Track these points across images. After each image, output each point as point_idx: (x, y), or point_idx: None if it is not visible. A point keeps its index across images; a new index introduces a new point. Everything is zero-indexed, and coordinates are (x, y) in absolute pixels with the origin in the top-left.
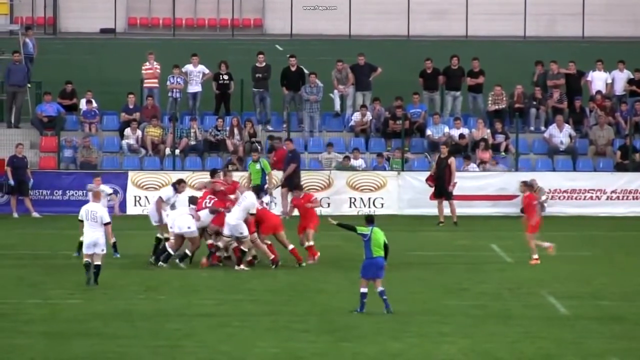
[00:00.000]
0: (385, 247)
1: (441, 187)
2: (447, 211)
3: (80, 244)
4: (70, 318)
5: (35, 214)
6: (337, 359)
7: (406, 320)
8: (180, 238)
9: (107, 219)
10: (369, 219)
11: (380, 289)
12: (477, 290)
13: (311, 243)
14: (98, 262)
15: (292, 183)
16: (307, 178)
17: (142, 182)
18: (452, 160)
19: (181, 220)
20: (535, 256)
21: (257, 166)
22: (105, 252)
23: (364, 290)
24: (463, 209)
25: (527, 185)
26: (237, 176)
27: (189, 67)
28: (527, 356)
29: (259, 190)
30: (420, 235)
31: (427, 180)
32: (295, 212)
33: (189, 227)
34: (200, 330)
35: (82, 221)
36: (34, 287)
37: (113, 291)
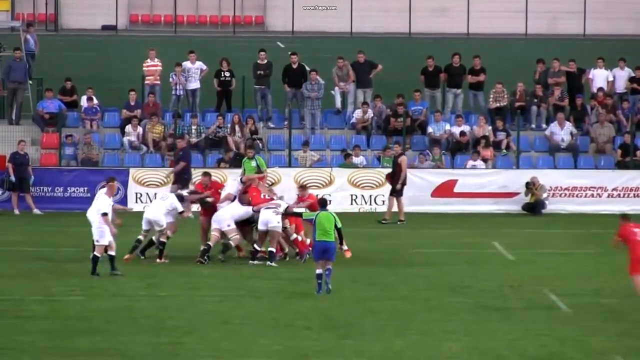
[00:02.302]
0: (339, 230)
1: (393, 185)
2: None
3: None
4: (72, 315)
5: (36, 211)
6: (340, 357)
7: (409, 318)
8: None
9: (104, 210)
10: (321, 202)
11: (328, 266)
12: (480, 288)
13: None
14: (112, 252)
15: (182, 180)
16: (308, 176)
17: (143, 179)
18: (402, 159)
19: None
20: None
21: (253, 163)
22: (112, 243)
23: (318, 271)
24: (465, 206)
25: (624, 218)
26: (236, 173)
27: (187, 64)
28: (530, 354)
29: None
30: (422, 232)
31: (386, 177)
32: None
33: (228, 225)
34: (202, 328)
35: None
36: (36, 284)
37: (115, 288)
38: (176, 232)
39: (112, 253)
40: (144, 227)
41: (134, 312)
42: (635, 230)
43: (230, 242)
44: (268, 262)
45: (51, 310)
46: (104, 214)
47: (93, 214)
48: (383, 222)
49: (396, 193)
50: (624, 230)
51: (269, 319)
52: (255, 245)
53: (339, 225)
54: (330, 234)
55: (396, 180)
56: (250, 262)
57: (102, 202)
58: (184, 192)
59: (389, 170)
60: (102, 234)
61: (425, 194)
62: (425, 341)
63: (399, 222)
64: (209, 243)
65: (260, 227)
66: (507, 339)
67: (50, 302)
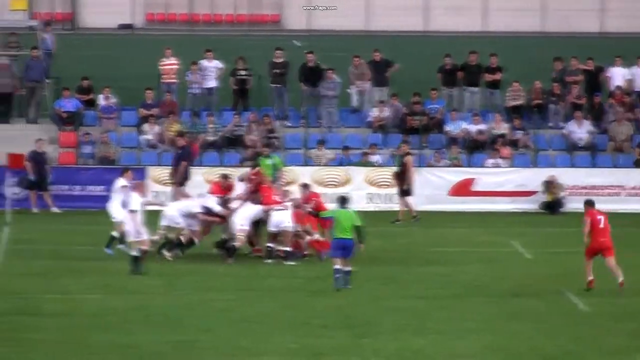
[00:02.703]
0: (358, 228)
1: (401, 185)
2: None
3: (111, 237)
4: (89, 313)
5: (54, 209)
6: (357, 355)
7: (425, 317)
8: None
9: (135, 207)
10: (341, 200)
11: (346, 268)
12: (497, 287)
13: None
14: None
15: (181, 180)
16: (326, 174)
17: (161, 177)
18: (408, 159)
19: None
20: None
21: (269, 161)
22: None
23: (336, 267)
24: (482, 205)
25: (589, 204)
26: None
27: (204, 63)
28: (547, 353)
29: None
30: (439, 231)
31: (392, 176)
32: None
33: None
34: (218, 326)
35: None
36: (53, 282)
37: (131, 286)
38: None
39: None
40: (163, 223)
41: (150, 310)
42: (599, 217)
43: (235, 243)
44: (285, 262)
45: (68, 308)
46: (133, 211)
47: (119, 208)
48: (396, 222)
49: (404, 193)
50: (590, 217)
51: (285, 317)
52: (268, 244)
53: (359, 223)
54: (349, 232)
55: (402, 180)
56: (266, 260)
57: (135, 199)
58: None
59: (396, 168)
60: (139, 231)
61: (443, 193)
62: (442, 340)
63: (412, 220)
64: (234, 244)
65: (272, 228)
66: (524, 338)
67: (67, 300)
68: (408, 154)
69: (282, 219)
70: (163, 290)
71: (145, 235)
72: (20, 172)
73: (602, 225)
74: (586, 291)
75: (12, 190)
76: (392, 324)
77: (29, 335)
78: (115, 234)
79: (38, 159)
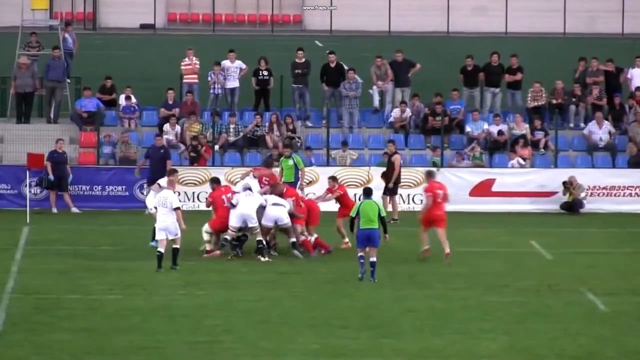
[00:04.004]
0: (382, 219)
1: (387, 184)
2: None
3: (154, 231)
4: (110, 313)
5: (74, 209)
6: (378, 356)
7: (446, 317)
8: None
9: (177, 204)
10: (366, 191)
11: (372, 259)
12: (517, 287)
13: (305, 237)
14: (176, 246)
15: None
16: (346, 174)
17: (181, 177)
18: (396, 158)
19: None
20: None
21: (290, 162)
22: (178, 235)
23: (361, 254)
24: (502, 205)
25: (429, 174)
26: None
27: (226, 63)
28: (568, 353)
29: (293, 186)
30: (459, 231)
31: (381, 176)
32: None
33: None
34: (240, 326)
35: (156, 208)
36: (74, 283)
37: (153, 286)
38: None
39: (178, 246)
40: (237, 224)
41: (171, 311)
42: (438, 191)
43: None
44: (294, 251)
45: (89, 309)
46: (177, 209)
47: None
48: (392, 222)
49: (390, 192)
50: (430, 187)
51: (307, 318)
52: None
53: (383, 214)
54: (375, 222)
55: (389, 179)
56: (295, 251)
57: (174, 197)
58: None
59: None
60: (177, 228)
61: (463, 193)
62: (463, 340)
63: (392, 222)
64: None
65: (268, 223)
66: (544, 338)
67: (88, 300)
68: (396, 153)
69: (281, 215)
70: (184, 290)
71: (178, 233)
72: (40, 172)
73: (439, 199)
74: (420, 261)
75: (32, 190)
76: (413, 324)
77: (50, 336)
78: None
79: (58, 159)
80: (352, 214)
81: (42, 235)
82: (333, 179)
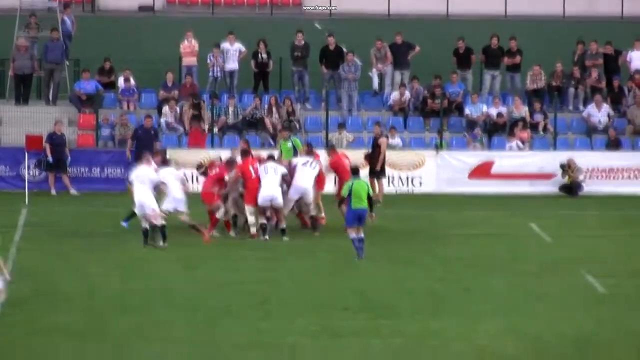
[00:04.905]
0: (369, 198)
1: (373, 167)
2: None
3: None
4: (109, 295)
5: (73, 191)
6: (377, 337)
7: (445, 299)
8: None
9: (156, 180)
10: (355, 170)
11: (360, 235)
12: (516, 269)
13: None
14: (155, 223)
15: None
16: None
17: (180, 159)
18: (382, 141)
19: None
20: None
21: (289, 144)
22: (156, 211)
23: (352, 236)
24: (501, 187)
25: (332, 148)
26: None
27: (225, 45)
28: (567, 335)
29: None
30: (458, 214)
31: (364, 158)
32: None
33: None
34: (239, 308)
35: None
36: (73, 264)
37: (152, 268)
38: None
39: (157, 223)
40: (265, 204)
41: (171, 293)
42: (345, 160)
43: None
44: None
45: (88, 291)
46: (162, 184)
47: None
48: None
49: (376, 175)
50: (335, 161)
51: (306, 299)
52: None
53: (371, 193)
54: (365, 201)
55: (375, 162)
56: (315, 233)
57: (152, 174)
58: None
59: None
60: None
61: (462, 176)
62: (462, 322)
63: (378, 204)
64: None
65: (265, 202)
66: (543, 320)
67: (87, 282)
68: (381, 135)
69: (274, 193)
70: (184, 271)
71: (155, 208)
72: (38, 154)
73: (254, 175)
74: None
75: (30, 172)
76: (412, 306)
77: (49, 317)
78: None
79: (57, 140)
80: (345, 193)
81: (40, 217)
82: (332, 147)
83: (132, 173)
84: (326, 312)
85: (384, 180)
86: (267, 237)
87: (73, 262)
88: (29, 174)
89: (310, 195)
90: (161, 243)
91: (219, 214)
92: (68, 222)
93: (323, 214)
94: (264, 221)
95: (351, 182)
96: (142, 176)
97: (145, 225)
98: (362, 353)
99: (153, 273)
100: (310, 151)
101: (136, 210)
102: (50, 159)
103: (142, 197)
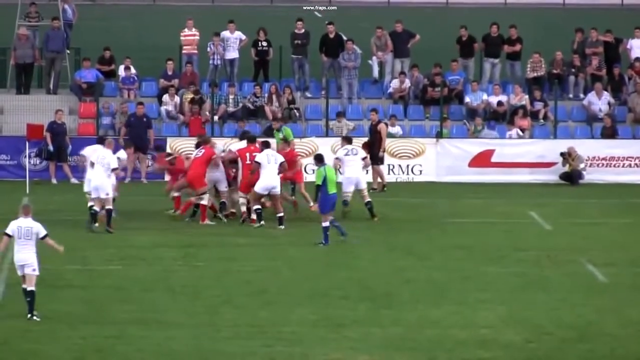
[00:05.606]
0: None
1: (372, 153)
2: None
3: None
4: (109, 284)
5: (73, 180)
6: (377, 326)
7: (445, 288)
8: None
9: (115, 165)
10: (319, 158)
11: (332, 218)
12: (516, 258)
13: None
14: (108, 207)
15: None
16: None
17: (181, 148)
18: (381, 127)
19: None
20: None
21: (280, 135)
22: (110, 196)
23: (326, 224)
24: (501, 176)
25: (250, 140)
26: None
27: (225, 34)
28: (566, 323)
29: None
30: (458, 202)
31: (362, 146)
32: None
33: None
34: (238, 297)
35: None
36: (73, 253)
37: (151, 257)
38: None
39: (110, 207)
40: (263, 192)
41: (170, 282)
42: (246, 154)
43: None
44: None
45: (88, 279)
46: (114, 169)
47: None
48: (371, 191)
49: (378, 161)
50: (242, 152)
51: (305, 289)
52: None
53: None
54: (335, 187)
55: (377, 148)
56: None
57: (112, 158)
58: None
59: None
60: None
61: (463, 164)
62: (462, 311)
63: (380, 191)
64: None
65: (263, 191)
66: (543, 309)
67: (87, 271)
68: (380, 121)
69: (274, 183)
70: (183, 261)
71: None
72: (39, 143)
73: (248, 161)
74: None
75: (31, 161)
76: (412, 295)
77: (49, 306)
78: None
79: (57, 129)
80: (319, 181)
81: (41, 206)
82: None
83: (92, 152)
84: (326, 301)
85: (383, 167)
86: (262, 222)
87: (73, 250)
88: (29, 162)
89: (363, 182)
90: (96, 224)
91: (205, 201)
92: (68, 210)
93: (312, 203)
94: (259, 207)
95: (323, 169)
96: (102, 159)
97: (96, 208)
98: (363, 342)
99: (152, 262)
100: (349, 140)
101: (90, 191)
102: (51, 147)
103: (99, 181)
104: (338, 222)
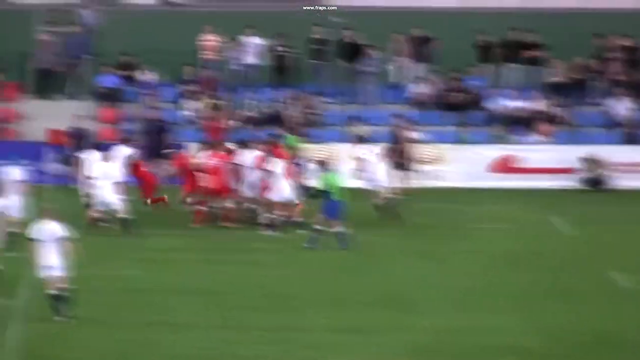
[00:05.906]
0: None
1: (397, 160)
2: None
3: None
4: (129, 289)
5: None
6: (396, 331)
7: (464, 293)
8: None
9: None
10: (324, 164)
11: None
12: (536, 264)
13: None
14: (122, 216)
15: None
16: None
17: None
18: (404, 133)
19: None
20: None
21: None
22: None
23: (339, 228)
24: (522, 182)
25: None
26: None
27: (244, 39)
28: (586, 330)
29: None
30: (478, 208)
31: (385, 153)
32: None
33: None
34: (256, 302)
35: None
36: (93, 258)
37: (167, 263)
38: None
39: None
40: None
41: (187, 286)
42: (210, 162)
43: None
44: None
45: (107, 285)
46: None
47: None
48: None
49: (401, 167)
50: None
51: (324, 294)
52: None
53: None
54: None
55: (399, 155)
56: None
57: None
58: None
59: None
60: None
61: (482, 169)
62: (480, 316)
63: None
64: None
65: (277, 198)
66: (563, 315)
67: (104, 276)
68: (402, 128)
69: (289, 192)
70: (200, 266)
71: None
72: (60, 148)
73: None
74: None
75: (52, 166)
76: (430, 300)
77: (72, 311)
78: None
79: (78, 135)
80: (322, 187)
81: (62, 210)
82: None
83: (98, 167)
84: (344, 307)
85: (410, 174)
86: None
87: (91, 255)
88: (50, 167)
89: (383, 185)
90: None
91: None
92: (87, 215)
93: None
94: (275, 216)
95: (328, 176)
96: (107, 173)
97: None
98: (384, 349)
99: (170, 267)
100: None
101: (99, 204)
102: (71, 153)
103: (106, 195)
104: (344, 234)
